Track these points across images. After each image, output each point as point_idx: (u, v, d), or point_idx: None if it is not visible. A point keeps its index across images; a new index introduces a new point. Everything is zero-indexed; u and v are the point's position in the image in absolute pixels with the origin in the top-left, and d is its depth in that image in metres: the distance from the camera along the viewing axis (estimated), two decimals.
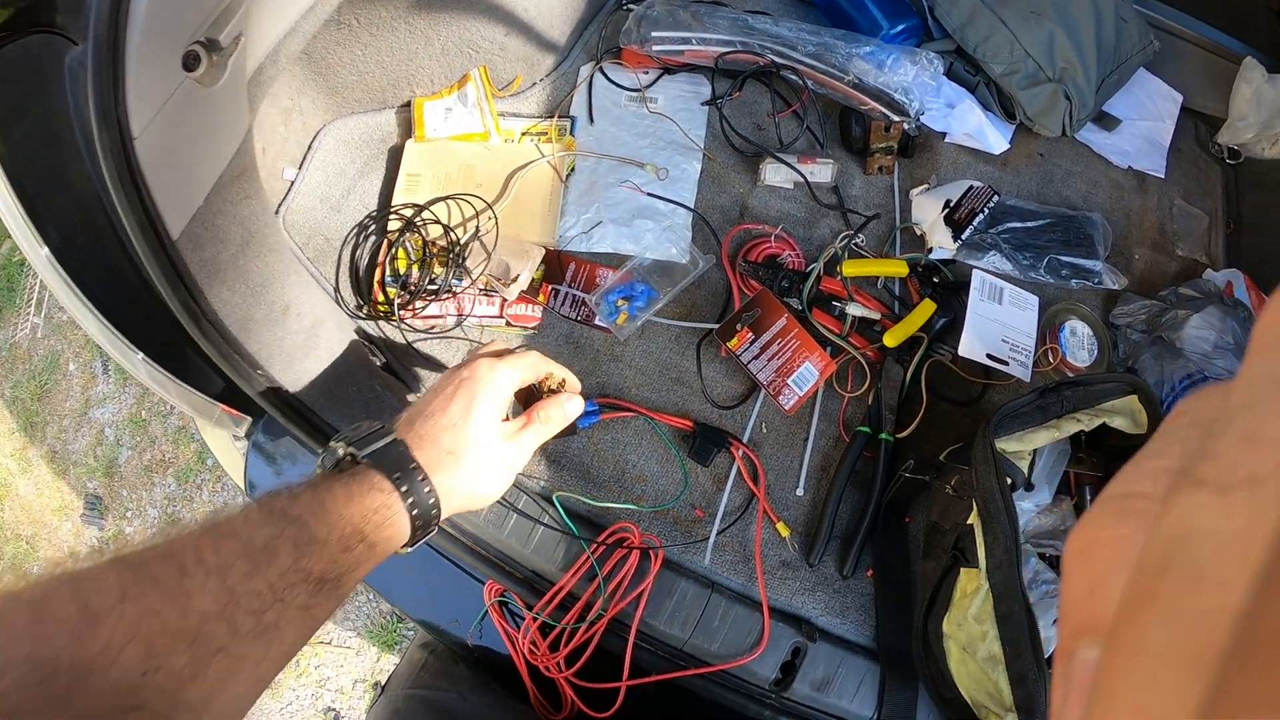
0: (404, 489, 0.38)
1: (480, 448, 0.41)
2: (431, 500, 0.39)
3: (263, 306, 0.69)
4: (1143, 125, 0.93)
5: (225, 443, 0.80)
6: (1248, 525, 0.08)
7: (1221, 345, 0.79)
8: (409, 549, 0.40)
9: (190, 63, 0.57)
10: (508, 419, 0.45)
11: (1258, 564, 0.08)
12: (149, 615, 0.28)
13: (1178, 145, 0.96)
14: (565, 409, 0.48)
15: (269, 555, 0.32)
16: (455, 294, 0.73)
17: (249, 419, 0.75)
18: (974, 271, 0.73)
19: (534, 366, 0.46)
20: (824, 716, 0.66)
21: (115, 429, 1.49)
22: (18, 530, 1.47)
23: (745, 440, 0.67)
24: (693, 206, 0.73)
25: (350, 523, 0.35)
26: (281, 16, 0.67)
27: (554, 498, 0.64)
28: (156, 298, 0.62)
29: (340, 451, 0.39)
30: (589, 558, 0.62)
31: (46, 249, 0.64)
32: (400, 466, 0.38)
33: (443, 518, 0.40)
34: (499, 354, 0.46)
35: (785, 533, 0.65)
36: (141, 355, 0.68)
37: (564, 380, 0.49)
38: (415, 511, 0.38)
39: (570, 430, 0.65)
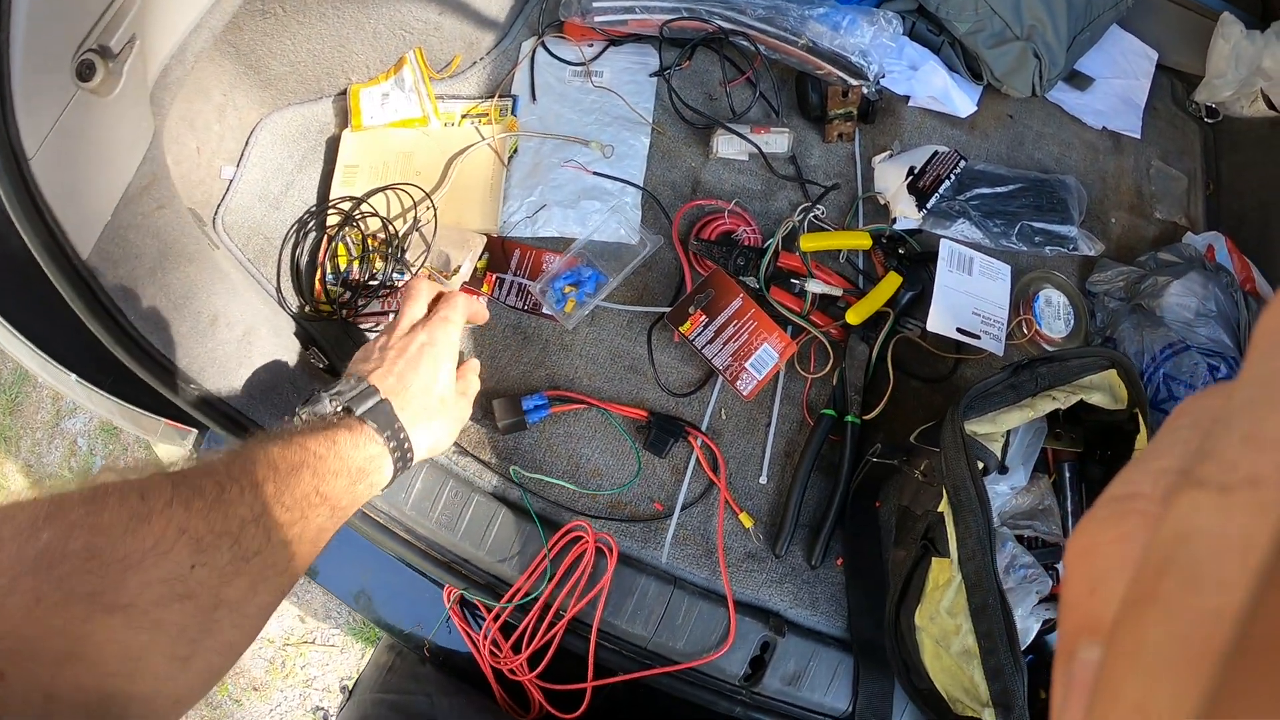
0: (392, 445, 0.43)
1: (444, 405, 0.49)
2: (409, 452, 0.45)
3: (188, 319, 0.66)
4: (1117, 84, 0.90)
5: (175, 456, 0.77)
6: (1248, 526, 0.09)
7: (1203, 312, 0.75)
8: (386, 489, 0.45)
9: (84, 73, 0.55)
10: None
11: (1258, 565, 0.08)
12: (194, 516, 0.31)
13: (1153, 104, 0.92)
14: (476, 365, 0.54)
15: (294, 477, 0.37)
16: (397, 289, 0.70)
17: (194, 431, 0.72)
18: (941, 241, 0.69)
19: (467, 311, 0.52)
20: (798, 710, 0.63)
21: (88, 438, 1.47)
22: None
23: (704, 429, 0.64)
24: (641, 184, 0.69)
25: (355, 463, 0.41)
26: (180, 14, 0.64)
27: (511, 471, 0.62)
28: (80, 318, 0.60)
29: (329, 405, 0.44)
30: (544, 557, 0.59)
31: None
32: (389, 425, 0.44)
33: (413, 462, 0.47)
34: (438, 306, 0.51)
35: (749, 524, 0.62)
36: (74, 377, 0.65)
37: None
38: (399, 461, 0.44)
39: (520, 425, 0.62)
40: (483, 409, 0.64)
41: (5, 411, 1.52)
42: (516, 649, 0.62)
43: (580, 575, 0.59)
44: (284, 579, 0.35)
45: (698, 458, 0.62)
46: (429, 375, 0.48)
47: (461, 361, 0.53)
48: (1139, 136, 0.88)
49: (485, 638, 0.64)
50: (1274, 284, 0.85)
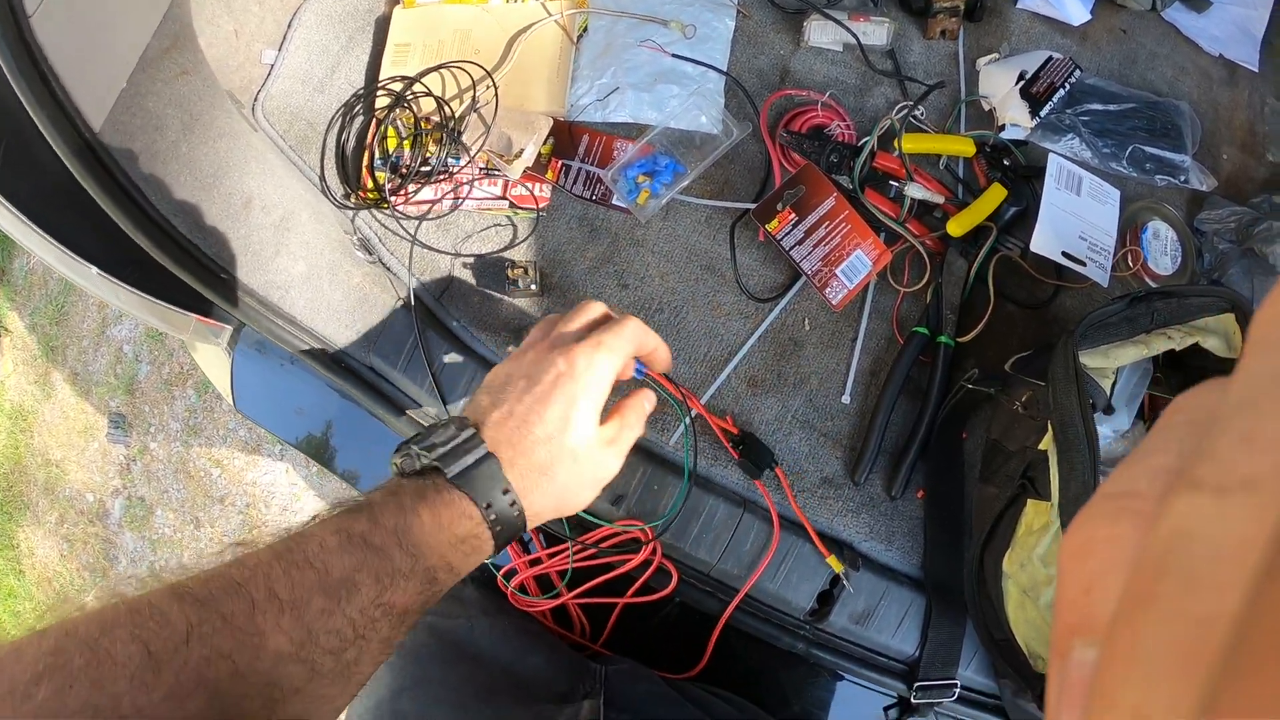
0: (492, 518, 0.34)
1: (577, 462, 0.37)
2: (519, 524, 0.35)
3: (218, 200, 0.60)
4: (1235, 10, 0.82)
5: (210, 355, 0.72)
6: (1245, 528, 0.08)
7: None
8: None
9: None
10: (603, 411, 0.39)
11: (1255, 567, 0.08)
12: (219, 659, 0.26)
13: (1270, 39, 0.85)
14: (645, 405, 0.42)
15: (349, 590, 0.29)
16: (452, 174, 0.63)
17: (228, 327, 0.67)
18: (1050, 156, 0.63)
19: (635, 342, 0.39)
20: (862, 651, 0.58)
21: (133, 345, 1.48)
22: (47, 455, 1.49)
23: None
24: (725, 69, 0.62)
25: (437, 553, 0.32)
26: None
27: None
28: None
29: (422, 461, 0.34)
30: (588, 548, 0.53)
31: None
32: (491, 494, 0.34)
33: (528, 528, 0.37)
34: (596, 330, 0.39)
35: (838, 568, 0.55)
36: (95, 270, 0.59)
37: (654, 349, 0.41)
38: (499, 529, 0.34)
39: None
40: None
41: (52, 321, 1.53)
42: (563, 575, 0.57)
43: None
44: (339, 701, 0.29)
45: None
46: (559, 418, 0.36)
47: (619, 398, 0.41)
48: (1256, 69, 0.81)
49: (526, 557, 0.59)
50: None
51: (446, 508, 0.33)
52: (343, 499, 0.34)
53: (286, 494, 1.33)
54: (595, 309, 0.40)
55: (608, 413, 0.40)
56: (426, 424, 0.60)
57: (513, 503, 0.34)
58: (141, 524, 1.38)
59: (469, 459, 0.34)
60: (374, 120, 0.65)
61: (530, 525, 0.36)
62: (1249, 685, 0.08)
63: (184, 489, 1.35)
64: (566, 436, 0.36)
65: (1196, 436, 0.10)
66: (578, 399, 0.36)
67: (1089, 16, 0.71)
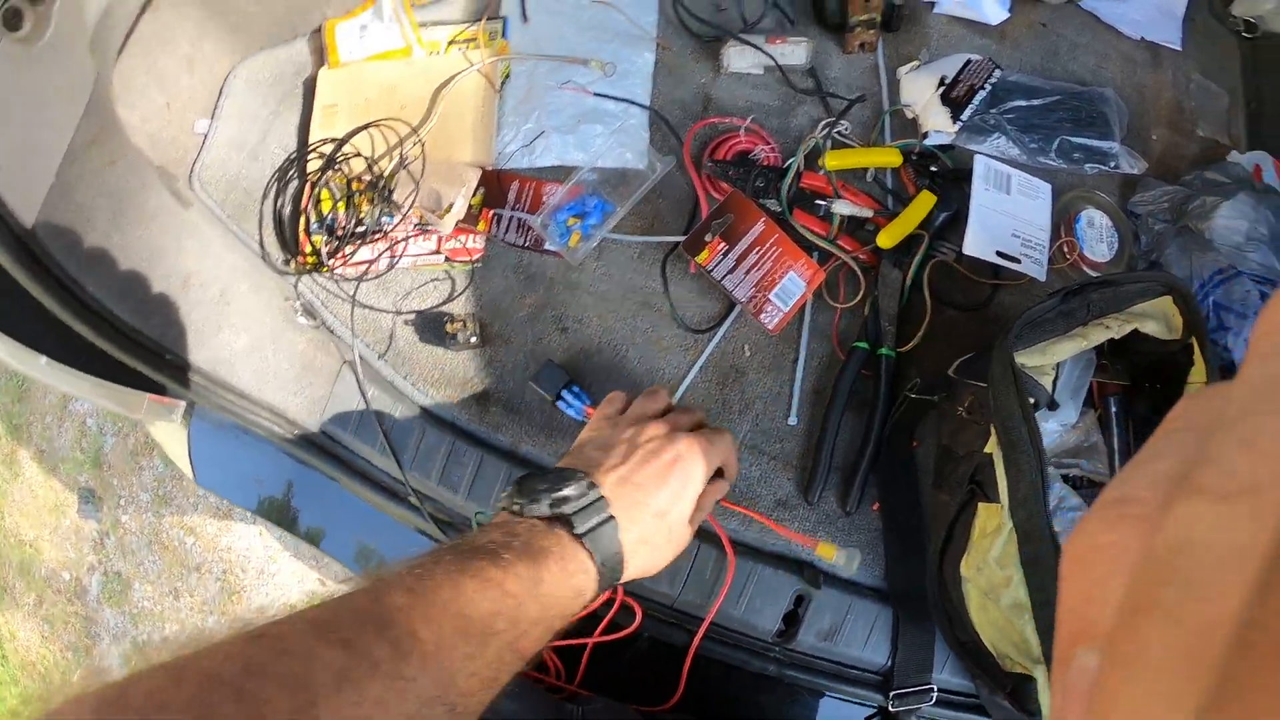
0: (603, 574, 0.36)
1: (670, 540, 0.41)
2: (615, 581, 0.38)
3: (155, 282, 0.61)
4: None
5: (167, 432, 0.72)
6: (1246, 535, 0.08)
7: (1254, 236, 0.70)
8: None
9: (10, 21, 0.48)
10: None
11: (1256, 574, 0.08)
12: (373, 704, 0.26)
13: (1191, 17, 0.86)
14: (719, 495, 0.46)
15: (488, 635, 0.30)
16: (386, 233, 0.64)
17: (181, 404, 0.67)
18: (976, 157, 0.63)
19: (728, 453, 0.44)
20: (835, 665, 0.59)
21: (96, 419, 1.47)
22: (19, 535, 1.48)
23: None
24: (647, 104, 0.63)
25: (561, 603, 0.34)
26: None
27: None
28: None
29: (546, 511, 0.36)
30: None
31: None
32: (609, 557, 0.36)
33: None
34: (705, 431, 0.44)
35: (829, 554, 0.55)
36: (44, 359, 0.59)
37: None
38: (600, 590, 0.37)
39: (547, 401, 0.56)
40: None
41: (14, 399, 1.52)
42: None
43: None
44: None
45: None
46: (670, 497, 0.39)
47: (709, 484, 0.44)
48: (1179, 48, 0.82)
49: None
50: None
51: (572, 561, 0.35)
52: (466, 536, 0.35)
53: (262, 556, 1.33)
54: (663, 395, 0.45)
55: None
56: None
57: (619, 564, 0.37)
58: (120, 599, 1.37)
59: (595, 519, 0.36)
60: (308, 184, 0.66)
61: (621, 580, 0.39)
62: (1251, 692, 0.07)
63: (159, 560, 1.35)
64: (671, 515, 0.40)
65: (1197, 443, 0.10)
66: (688, 484, 0.40)
67: (1007, 14, 0.72)
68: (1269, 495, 0.08)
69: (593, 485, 0.37)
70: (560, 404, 0.56)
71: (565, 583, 0.34)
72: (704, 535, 0.56)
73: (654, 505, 0.39)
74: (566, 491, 0.36)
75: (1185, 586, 0.09)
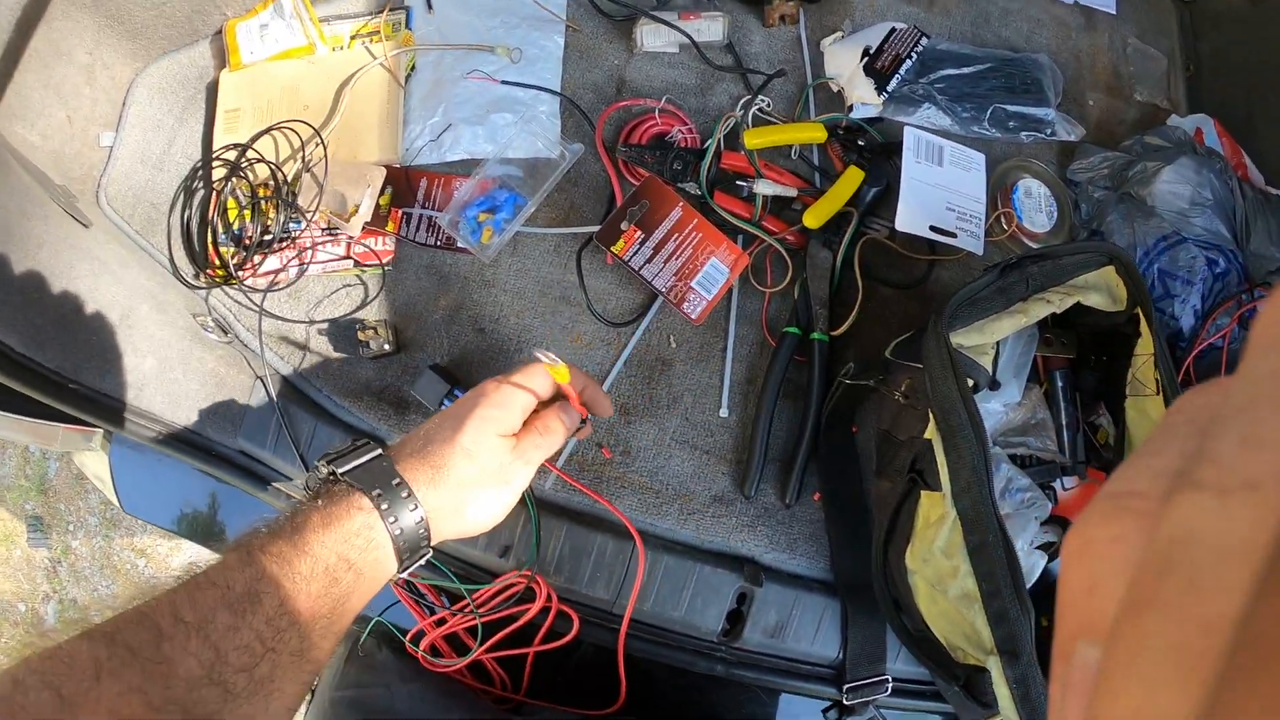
0: (384, 507, 0.34)
1: (475, 460, 0.37)
2: (418, 519, 0.35)
3: (49, 312, 0.58)
4: None
5: (90, 460, 0.69)
6: (1247, 529, 0.09)
7: (1198, 201, 0.68)
8: (400, 575, 0.36)
9: None
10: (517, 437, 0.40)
11: (1257, 568, 0.08)
12: (130, 693, 0.26)
13: None
14: (563, 418, 0.42)
15: (251, 602, 0.29)
16: (294, 240, 0.61)
17: (98, 431, 0.64)
18: (905, 129, 0.61)
19: (536, 378, 0.41)
20: (784, 662, 0.57)
21: (37, 445, 1.42)
22: None
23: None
24: (558, 89, 0.60)
25: (333, 550, 0.32)
26: None
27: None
28: None
29: (323, 471, 0.36)
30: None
31: None
32: (381, 483, 0.34)
33: (435, 540, 0.36)
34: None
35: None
36: None
37: (583, 390, 0.43)
38: (399, 533, 0.34)
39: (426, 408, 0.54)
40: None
41: None
42: (473, 632, 0.55)
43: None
44: None
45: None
46: (451, 425, 0.37)
47: (532, 419, 0.42)
48: (1114, 12, 0.80)
49: (431, 619, 0.57)
50: (1264, 170, 0.78)
51: (337, 503, 0.33)
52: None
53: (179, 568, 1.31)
54: (536, 372, 0.42)
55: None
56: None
57: (407, 494, 0.34)
58: (79, 626, 1.33)
59: (361, 459, 0.35)
60: (213, 193, 0.63)
61: (435, 526, 0.36)
62: (1251, 686, 0.08)
63: (113, 584, 1.32)
64: (460, 436, 0.37)
65: (1197, 437, 0.10)
66: (475, 408, 0.38)
67: None
68: (1269, 490, 0.09)
69: (361, 441, 0.37)
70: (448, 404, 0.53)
71: (332, 528, 0.32)
72: (626, 534, 0.54)
73: (436, 436, 0.37)
74: (329, 452, 0.36)
75: (1186, 581, 0.09)
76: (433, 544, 0.36)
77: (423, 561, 0.37)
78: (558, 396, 0.43)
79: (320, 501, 0.34)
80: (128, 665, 0.26)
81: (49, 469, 1.42)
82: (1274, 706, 0.07)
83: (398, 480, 0.35)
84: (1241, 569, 0.08)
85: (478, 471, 0.37)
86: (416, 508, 0.35)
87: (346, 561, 0.32)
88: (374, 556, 0.33)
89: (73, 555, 1.36)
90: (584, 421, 0.44)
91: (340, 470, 0.35)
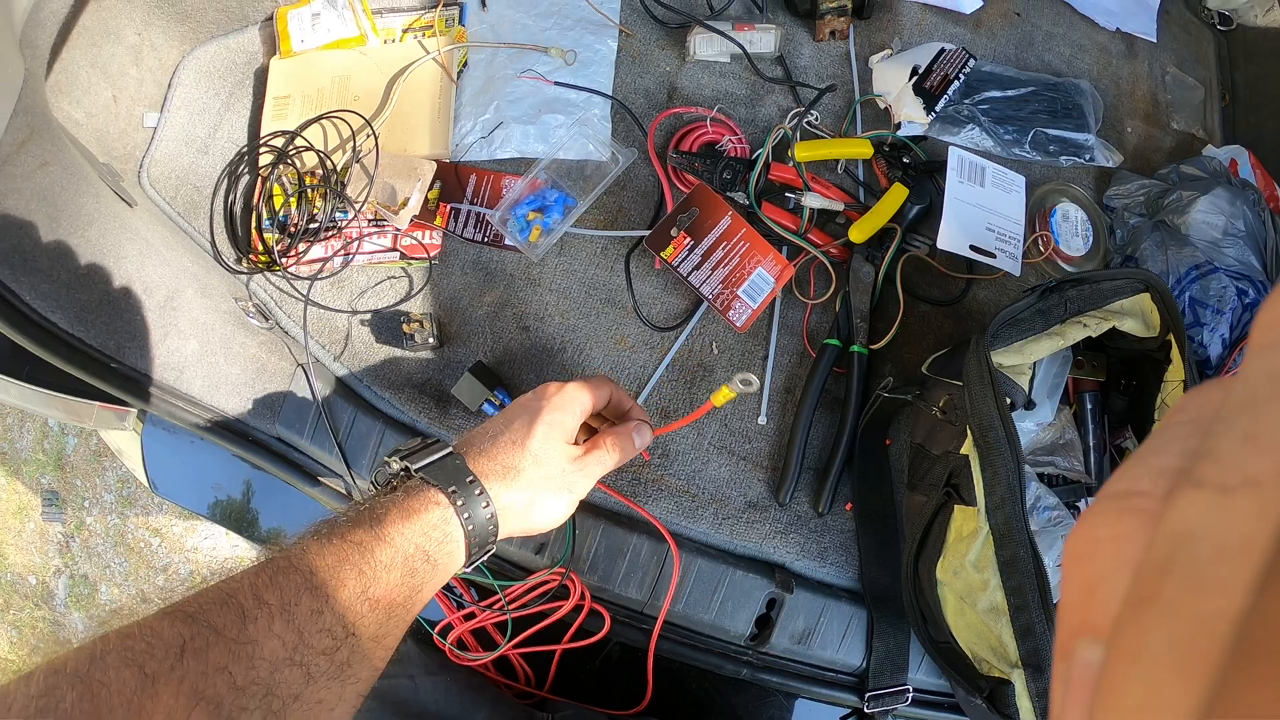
0: (460, 503, 0.35)
1: (542, 465, 0.38)
2: (489, 515, 0.36)
3: (96, 290, 0.58)
4: None
5: (121, 440, 0.69)
6: (1248, 528, 0.09)
7: (1231, 232, 0.69)
8: (467, 569, 0.37)
9: None
10: (577, 443, 0.42)
11: (1258, 566, 0.08)
12: (215, 672, 0.26)
13: (1166, 8, 0.85)
14: (635, 439, 0.44)
15: (334, 587, 0.30)
16: (340, 230, 0.61)
17: (132, 411, 0.64)
18: (950, 149, 0.62)
19: (604, 388, 0.43)
20: (809, 669, 0.58)
21: (57, 420, 1.41)
22: None
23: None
24: (610, 93, 0.61)
25: (411, 541, 0.33)
26: None
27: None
28: None
29: (394, 466, 0.37)
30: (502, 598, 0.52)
31: None
32: (456, 480, 0.36)
33: (500, 537, 0.37)
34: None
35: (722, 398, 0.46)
36: None
37: (630, 410, 0.45)
38: (471, 527, 0.35)
39: (469, 409, 0.54)
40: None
41: None
42: (501, 627, 0.56)
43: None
44: (338, 711, 0.29)
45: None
46: (521, 430, 0.39)
47: (594, 433, 0.44)
48: (1154, 39, 0.81)
49: (460, 612, 0.58)
50: None
51: (414, 497, 0.34)
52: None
53: (229, 556, 1.31)
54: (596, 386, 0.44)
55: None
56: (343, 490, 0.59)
57: (480, 492, 0.36)
58: (88, 602, 1.34)
59: (434, 456, 0.36)
60: (259, 179, 0.63)
61: (503, 523, 0.37)
62: (1253, 684, 0.08)
63: (126, 562, 1.32)
64: (530, 441, 0.38)
65: (1199, 436, 0.10)
66: (541, 413, 0.39)
67: (980, 3, 0.71)
68: (1270, 488, 0.09)
69: (431, 439, 0.38)
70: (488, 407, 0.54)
71: (412, 520, 0.33)
72: (662, 536, 0.54)
73: (504, 439, 0.38)
74: (401, 448, 0.37)
75: (1187, 579, 0.09)
76: (499, 538, 0.37)
77: (487, 557, 0.38)
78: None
79: (399, 494, 0.35)
80: (213, 645, 0.26)
81: (67, 444, 1.42)
82: (1276, 704, 0.07)
83: (471, 478, 0.36)
84: (1243, 566, 0.08)
85: (544, 476, 0.38)
86: (489, 505, 0.36)
87: (424, 553, 0.33)
88: (448, 550, 0.34)
89: (86, 531, 1.36)
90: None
91: (414, 466, 0.36)
